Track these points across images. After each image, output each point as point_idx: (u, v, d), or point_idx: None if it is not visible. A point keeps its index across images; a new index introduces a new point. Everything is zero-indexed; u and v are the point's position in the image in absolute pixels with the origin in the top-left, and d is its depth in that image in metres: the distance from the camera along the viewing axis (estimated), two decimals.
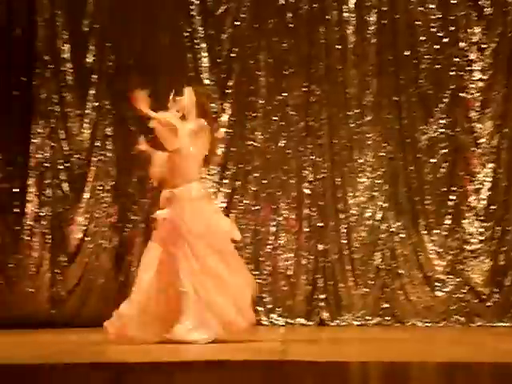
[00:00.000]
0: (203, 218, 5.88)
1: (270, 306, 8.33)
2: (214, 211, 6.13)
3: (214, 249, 5.85)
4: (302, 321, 8.30)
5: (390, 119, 8.44)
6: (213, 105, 8.52)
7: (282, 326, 8.23)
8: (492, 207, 8.30)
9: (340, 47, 8.47)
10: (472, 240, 8.29)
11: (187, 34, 8.52)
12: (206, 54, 8.53)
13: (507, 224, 8.26)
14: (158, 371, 4.19)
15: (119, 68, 8.51)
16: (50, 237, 8.43)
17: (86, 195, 8.46)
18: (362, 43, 8.46)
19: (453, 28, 8.41)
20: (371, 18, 8.47)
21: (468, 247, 8.30)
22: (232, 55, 8.53)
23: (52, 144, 8.50)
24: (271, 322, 8.31)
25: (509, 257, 8.23)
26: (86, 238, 8.43)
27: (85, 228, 8.43)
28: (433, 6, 8.42)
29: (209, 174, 8.47)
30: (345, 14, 8.49)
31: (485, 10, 8.40)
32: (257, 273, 8.36)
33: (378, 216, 8.38)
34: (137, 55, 8.51)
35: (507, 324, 8.10)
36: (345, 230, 8.39)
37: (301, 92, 8.48)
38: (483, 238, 8.28)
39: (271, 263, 8.40)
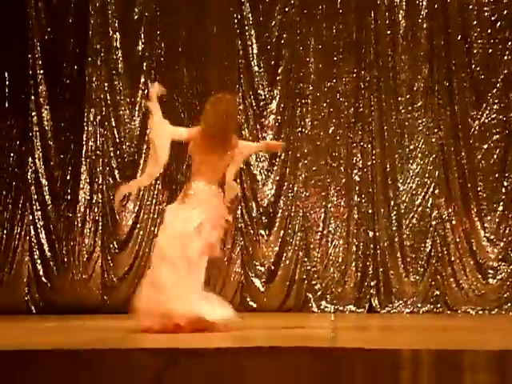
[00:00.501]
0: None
1: (319, 293, 8.33)
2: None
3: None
4: (352, 308, 8.27)
5: (442, 105, 8.33)
6: (261, 92, 8.54)
7: (332, 312, 8.22)
8: None
9: (390, 32, 8.38)
10: None
11: (236, 20, 8.53)
12: (255, 41, 8.53)
13: None
14: (207, 357, 4.21)
15: (169, 55, 8.55)
16: (102, 224, 8.54)
17: None
18: (413, 28, 8.36)
19: (506, 11, 8.26)
20: (422, 3, 8.36)
21: None
22: (281, 42, 8.51)
23: (104, 132, 8.59)
24: (321, 308, 8.30)
25: None
26: (136, 225, 8.51)
27: (136, 215, 8.52)
28: None
29: (258, 161, 8.49)
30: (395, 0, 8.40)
31: None
32: (306, 259, 8.37)
33: (429, 203, 8.30)
34: (186, 42, 8.54)
35: None
36: (395, 217, 8.33)
37: (350, 78, 8.42)
38: None
39: (321, 250, 8.38)
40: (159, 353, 4.28)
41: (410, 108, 8.37)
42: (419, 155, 8.35)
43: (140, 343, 5.04)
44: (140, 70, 8.59)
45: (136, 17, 8.62)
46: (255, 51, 8.54)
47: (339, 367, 4.21)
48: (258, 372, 4.11)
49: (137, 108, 8.60)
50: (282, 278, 8.38)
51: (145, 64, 8.59)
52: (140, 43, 8.61)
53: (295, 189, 8.46)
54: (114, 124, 8.60)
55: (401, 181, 8.36)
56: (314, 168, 8.45)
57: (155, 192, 8.54)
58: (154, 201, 8.54)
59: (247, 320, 7.56)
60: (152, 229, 8.50)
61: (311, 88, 8.46)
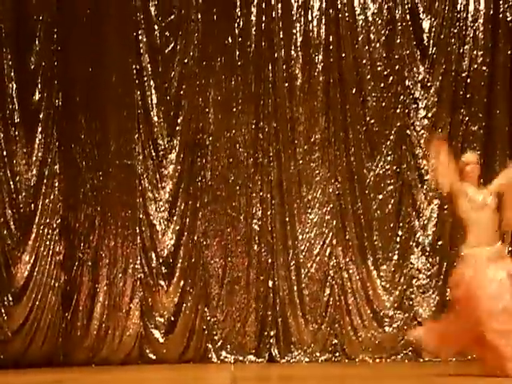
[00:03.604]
0: None
1: (219, 343, 8.29)
2: None
3: None
4: (252, 358, 8.26)
5: (338, 156, 8.51)
6: (161, 142, 8.54)
7: (232, 363, 8.19)
8: (438, 243, 8.40)
9: (288, 85, 8.55)
10: (419, 275, 8.38)
11: (135, 71, 8.53)
12: (154, 92, 8.55)
13: (453, 259, 8.35)
14: None
15: (66, 106, 8.46)
16: None
17: (33, 234, 8.34)
18: (310, 81, 8.55)
19: (398, 66, 8.55)
20: (318, 57, 8.57)
21: (415, 282, 8.38)
22: (180, 93, 8.55)
23: None
24: (221, 359, 8.25)
25: None
26: (32, 277, 8.29)
27: (31, 266, 8.30)
28: (378, 45, 8.56)
29: (158, 211, 8.45)
30: (292, 52, 8.58)
31: (429, 49, 8.57)
32: (206, 310, 8.34)
33: (327, 252, 8.42)
34: (84, 92, 8.47)
35: (455, 359, 8.16)
36: (294, 266, 8.40)
37: (249, 129, 8.52)
38: (430, 273, 8.37)
39: (221, 300, 8.36)
40: None
41: (307, 159, 8.52)
42: (317, 205, 8.48)
43: None
44: (36, 121, 8.44)
45: (33, 66, 8.51)
46: (154, 101, 8.55)
47: None
48: None
49: (33, 158, 8.42)
50: (181, 328, 8.32)
51: (42, 115, 8.44)
52: (36, 93, 8.47)
53: (195, 238, 8.44)
54: (9, 174, 8.39)
55: (299, 230, 8.46)
56: (213, 218, 8.47)
57: (52, 243, 8.36)
58: (50, 252, 8.35)
59: (146, 372, 7.47)
60: (47, 280, 8.29)
61: (211, 138, 8.51)
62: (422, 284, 8.36)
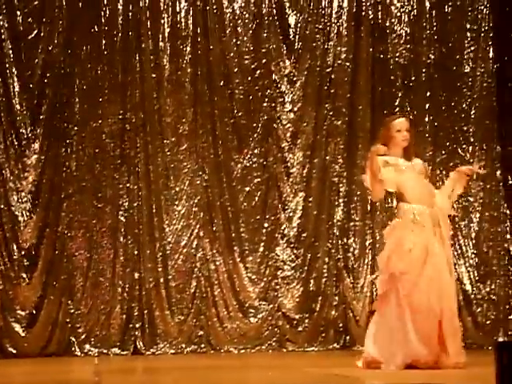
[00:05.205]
0: None
1: (83, 337, 8.17)
2: None
3: None
4: (117, 350, 8.19)
5: (206, 148, 8.54)
6: (23, 131, 8.32)
7: (96, 356, 8.08)
8: (303, 235, 8.56)
9: (155, 76, 8.50)
10: (284, 267, 8.52)
11: None
12: (16, 79, 8.31)
13: (316, 251, 8.54)
14: None
15: None
16: None
17: None
18: (177, 72, 8.54)
19: (265, 60, 8.64)
20: (186, 48, 8.56)
21: (280, 274, 8.52)
22: (44, 80, 8.35)
23: None
24: (85, 352, 8.14)
25: (318, 283, 8.50)
26: None
27: None
28: (245, 39, 8.63)
29: (20, 202, 8.24)
30: (160, 43, 8.53)
31: (295, 44, 8.72)
32: (70, 303, 8.20)
33: (194, 243, 8.44)
34: None
35: (317, 348, 8.36)
36: (161, 258, 8.38)
37: (116, 119, 8.42)
38: (294, 264, 8.52)
39: (85, 293, 8.23)
40: None
41: (175, 150, 8.50)
42: (184, 197, 8.49)
43: None
44: None
45: None
46: (17, 89, 8.31)
47: None
48: None
49: None
50: (44, 322, 8.14)
51: None
52: None
53: (59, 230, 8.28)
54: None
55: (167, 222, 8.44)
56: (78, 209, 8.33)
57: None
58: None
59: (6, 366, 7.29)
60: None
61: (76, 128, 8.36)
62: (287, 275, 8.51)
